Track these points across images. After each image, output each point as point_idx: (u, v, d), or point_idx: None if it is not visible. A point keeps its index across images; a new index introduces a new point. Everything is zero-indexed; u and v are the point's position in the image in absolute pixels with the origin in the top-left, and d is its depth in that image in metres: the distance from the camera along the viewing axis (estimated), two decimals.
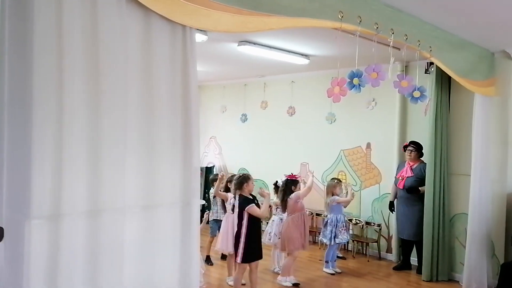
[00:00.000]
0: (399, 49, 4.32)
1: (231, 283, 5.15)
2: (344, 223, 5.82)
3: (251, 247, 4.52)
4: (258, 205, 4.60)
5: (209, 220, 6.02)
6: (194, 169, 2.49)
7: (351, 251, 6.79)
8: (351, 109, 6.90)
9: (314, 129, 7.43)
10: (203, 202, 2.71)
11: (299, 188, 5.22)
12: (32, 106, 1.85)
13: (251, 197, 4.61)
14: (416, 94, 4.22)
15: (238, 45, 5.42)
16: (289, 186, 5.21)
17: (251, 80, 8.25)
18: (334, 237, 5.74)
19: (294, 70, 7.17)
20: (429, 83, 5.58)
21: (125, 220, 2.18)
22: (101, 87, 2.05)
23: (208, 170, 8.59)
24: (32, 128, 1.85)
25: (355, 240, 6.72)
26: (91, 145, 2.04)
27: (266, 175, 7.71)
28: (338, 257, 6.45)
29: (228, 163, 8.81)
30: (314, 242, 7.13)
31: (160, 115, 2.34)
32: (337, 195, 5.88)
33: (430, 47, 4.34)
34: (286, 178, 5.32)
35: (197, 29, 2.87)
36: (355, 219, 6.78)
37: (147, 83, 2.28)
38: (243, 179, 4.62)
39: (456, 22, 4.31)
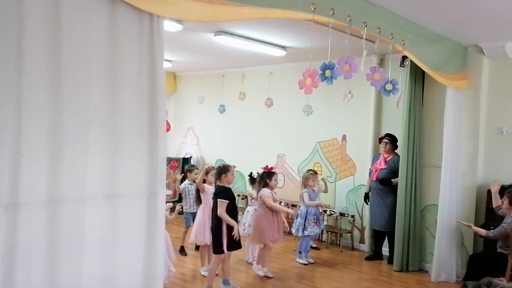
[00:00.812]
0: (373, 42, 4.36)
1: (204, 273, 5.17)
2: (315, 216, 5.84)
3: (231, 237, 4.51)
4: (232, 198, 4.60)
5: (184, 211, 6.01)
6: (160, 159, 2.48)
7: (325, 241, 6.87)
8: (327, 101, 6.94)
9: (291, 121, 7.46)
10: (169, 192, 2.69)
11: (275, 179, 5.21)
12: None
13: (228, 188, 4.59)
14: (389, 87, 4.27)
15: (214, 35, 5.39)
16: (264, 178, 5.21)
17: (229, 71, 8.21)
18: (303, 229, 5.79)
19: (272, 62, 7.17)
20: (403, 76, 5.64)
21: (87, 210, 2.15)
22: (62, 76, 2.02)
23: (185, 161, 8.55)
24: None
25: (329, 231, 6.80)
26: (51, 134, 2.00)
27: (244, 166, 7.68)
28: (312, 247, 6.52)
29: (206, 154, 8.79)
30: (290, 233, 7.17)
31: (125, 105, 2.31)
32: (311, 187, 5.92)
33: (403, 40, 4.38)
34: (262, 170, 5.30)
35: (169, 18, 2.86)
36: (330, 210, 6.85)
37: (111, 72, 2.24)
38: (222, 170, 4.61)
39: (429, 16, 4.36)
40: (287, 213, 5.43)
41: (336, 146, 7.01)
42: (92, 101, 2.17)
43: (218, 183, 4.60)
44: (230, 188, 4.65)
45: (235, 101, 8.08)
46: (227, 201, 4.45)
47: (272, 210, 5.14)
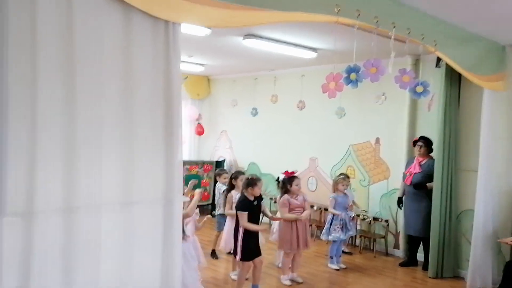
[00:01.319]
0: (404, 42, 4.25)
1: (234, 277, 5.17)
2: (341, 221, 5.71)
3: (248, 245, 4.51)
4: (258, 208, 4.59)
5: (216, 214, 6.05)
6: (177, 166, 2.49)
7: (358, 246, 6.74)
8: (360, 104, 6.82)
9: (323, 124, 7.37)
10: (187, 199, 2.69)
11: (297, 184, 5.12)
12: (8, 103, 1.87)
13: (252, 199, 4.58)
14: (419, 89, 4.14)
15: (243, 39, 5.40)
16: (285, 184, 5.15)
17: (261, 74, 8.22)
18: (329, 234, 5.69)
19: (304, 64, 7.11)
20: (438, 77, 5.47)
21: (102, 217, 2.19)
22: (77, 84, 2.06)
23: (218, 164, 8.61)
24: (7, 125, 1.87)
25: (362, 236, 6.67)
26: (66, 142, 2.05)
27: (276, 169, 7.67)
28: (344, 252, 6.42)
29: (238, 157, 8.81)
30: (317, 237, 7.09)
31: (140, 111, 2.34)
32: (341, 192, 5.82)
33: (435, 41, 4.25)
34: (284, 176, 5.24)
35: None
36: (363, 215, 6.72)
37: (126, 79, 2.27)
38: (251, 182, 4.58)
39: (462, 16, 4.20)
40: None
41: (369, 149, 6.87)
42: (107, 108, 2.21)
43: (244, 192, 4.60)
44: (251, 200, 4.58)
45: (267, 104, 8.04)
46: (246, 212, 4.45)
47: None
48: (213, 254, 6.08)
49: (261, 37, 5.39)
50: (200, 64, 7.63)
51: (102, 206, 2.19)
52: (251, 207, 4.52)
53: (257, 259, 4.61)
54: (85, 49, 2.09)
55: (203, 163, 8.58)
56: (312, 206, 7.44)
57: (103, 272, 2.21)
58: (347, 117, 7.07)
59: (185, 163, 8.45)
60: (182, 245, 3.74)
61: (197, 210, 4.98)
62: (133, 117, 2.32)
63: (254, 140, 8.45)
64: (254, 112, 8.26)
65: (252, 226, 4.50)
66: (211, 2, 2.54)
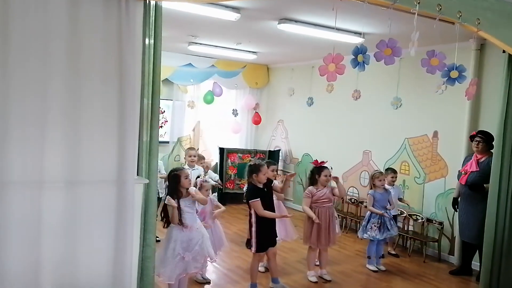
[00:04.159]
0: (453, 23, 3.76)
1: (261, 268, 5.01)
2: (379, 220, 5.26)
3: (263, 236, 4.34)
4: (269, 194, 4.38)
5: None
6: (131, 147, 2.39)
7: (408, 248, 6.20)
8: (418, 93, 6.27)
9: (378, 114, 6.89)
10: (146, 181, 2.58)
11: (325, 175, 4.79)
12: None
13: (260, 187, 4.36)
14: (454, 74, 3.64)
15: (278, 24, 5.16)
16: (314, 174, 4.84)
17: (319, 62, 7.82)
18: (364, 232, 5.27)
19: None
20: (502, 63, 4.78)
21: (43, 195, 2.16)
22: (14, 59, 2.04)
23: (271, 154, 8.44)
24: None
25: (413, 238, 6.12)
26: (1, 115, 2.04)
27: (330, 161, 7.34)
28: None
29: (294, 147, 8.58)
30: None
31: (89, 89, 2.28)
32: (380, 188, 5.37)
33: (478, 19, 3.69)
34: (313, 165, 4.94)
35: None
36: (416, 215, 6.17)
37: (73, 57, 2.22)
38: (254, 169, 4.35)
39: None
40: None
41: (426, 144, 6.27)
42: (52, 87, 2.17)
43: (250, 181, 4.39)
44: (260, 188, 4.36)
45: (323, 93, 7.69)
46: (258, 199, 4.24)
47: (320, 209, 4.76)
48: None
49: (296, 21, 5.10)
50: (253, 52, 7.48)
51: (43, 183, 2.15)
52: (262, 194, 4.31)
53: (270, 250, 4.42)
54: (24, 22, 2.06)
55: (256, 152, 8.48)
56: (361, 202, 7.02)
57: (44, 249, 2.18)
58: (403, 108, 6.54)
59: (238, 151, 8.45)
60: (183, 234, 3.72)
61: (215, 199, 4.91)
62: (81, 95, 2.27)
63: (309, 131, 8.16)
64: (310, 102, 7.99)
65: (269, 214, 4.31)
66: None
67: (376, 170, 5.62)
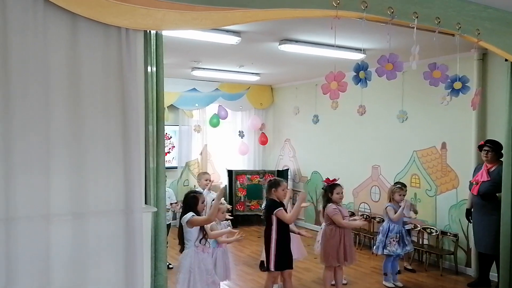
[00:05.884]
0: (453, 35, 3.78)
1: None
2: (397, 234, 5.20)
3: (283, 254, 4.29)
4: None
5: None
6: (137, 174, 2.39)
7: (424, 263, 6.10)
8: (424, 105, 6.25)
9: (384, 129, 6.87)
10: (154, 209, 2.54)
11: (338, 193, 4.75)
12: None
13: (278, 202, 4.36)
14: (457, 85, 3.63)
15: (279, 44, 5.21)
16: (327, 192, 4.80)
17: (322, 80, 7.85)
18: (384, 247, 5.19)
19: None
20: (505, 71, 4.76)
21: (51, 228, 2.15)
22: (14, 92, 2.06)
23: (280, 173, 8.42)
24: None
25: (428, 252, 6.03)
26: (5, 150, 2.05)
27: (340, 179, 7.30)
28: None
29: (302, 166, 8.55)
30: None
31: (92, 120, 2.29)
32: (397, 203, 5.31)
33: (478, 30, 3.70)
34: (324, 184, 4.90)
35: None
36: (430, 228, 6.08)
37: (74, 88, 2.24)
38: (273, 184, 4.40)
39: None
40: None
41: (435, 156, 6.22)
42: (54, 119, 2.19)
43: (268, 196, 4.39)
44: (279, 202, 4.37)
45: (328, 110, 7.65)
46: (281, 208, 4.26)
47: (340, 228, 4.68)
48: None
49: (297, 41, 5.15)
50: (256, 74, 7.54)
51: (50, 217, 2.16)
52: (283, 207, 4.32)
53: (286, 272, 4.36)
54: (23, 56, 2.09)
55: (264, 173, 8.46)
56: (373, 218, 6.96)
57: (54, 283, 2.17)
58: (410, 121, 6.52)
59: (246, 172, 8.43)
60: (193, 256, 3.68)
61: (229, 222, 4.86)
62: (84, 126, 2.29)
63: (316, 148, 8.15)
64: (316, 120, 8.00)
65: (295, 218, 4.37)
66: (172, 5, 2.43)
67: (396, 184, 5.58)
